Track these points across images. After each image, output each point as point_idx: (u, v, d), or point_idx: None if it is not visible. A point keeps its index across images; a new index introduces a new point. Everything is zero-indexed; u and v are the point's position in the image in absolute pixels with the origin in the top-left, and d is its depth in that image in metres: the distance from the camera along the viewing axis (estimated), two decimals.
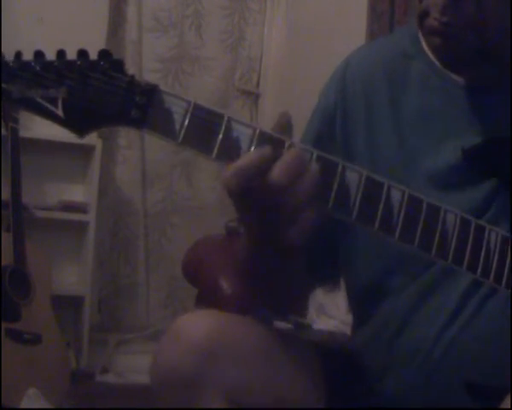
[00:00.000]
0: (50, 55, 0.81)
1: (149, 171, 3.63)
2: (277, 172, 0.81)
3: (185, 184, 3.67)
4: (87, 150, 3.29)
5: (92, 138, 3.22)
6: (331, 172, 0.85)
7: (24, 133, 2.89)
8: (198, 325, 1.00)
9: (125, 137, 3.56)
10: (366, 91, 1.13)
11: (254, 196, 0.83)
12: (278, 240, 0.86)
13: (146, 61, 3.60)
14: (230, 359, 0.98)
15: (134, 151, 3.59)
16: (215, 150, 0.83)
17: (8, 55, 0.80)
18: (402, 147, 1.08)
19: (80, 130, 0.81)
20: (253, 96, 3.86)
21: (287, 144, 0.84)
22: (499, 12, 0.99)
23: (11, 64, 0.79)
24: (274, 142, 0.84)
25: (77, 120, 0.80)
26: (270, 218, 0.84)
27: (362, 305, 1.14)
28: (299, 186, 0.81)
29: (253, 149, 0.83)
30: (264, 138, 0.84)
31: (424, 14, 1.02)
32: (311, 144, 1.13)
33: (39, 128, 3.13)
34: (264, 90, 3.85)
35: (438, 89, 1.09)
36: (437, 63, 1.09)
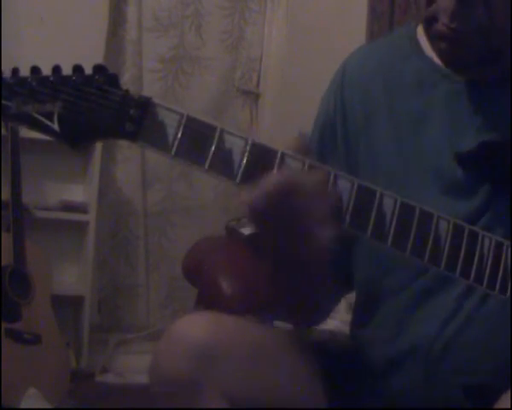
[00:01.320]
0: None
1: (149, 171, 3.62)
2: (302, 197, 0.83)
3: (185, 184, 3.67)
4: (87, 150, 3.29)
5: None
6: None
7: (24, 133, 2.88)
8: (196, 326, 1.00)
9: None
10: (364, 96, 1.12)
11: (276, 218, 0.85)
12: (298, 256, 0.89)
13: (146, 61, 3.59)
14: (229, 360, 0.99)
15: (134, 151, 3.58)
16: (207, 162, 0.85)
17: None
18: (401, 151, 1.08)
19: (75, 143, 0.82)
20: (253, 96, 3.86)
21: (279, 155, 0.85)
22: (507, 18, 0.99)
23: (9, 81, 0.80)
24: (266, 153, 0.85)
25: (72, 134, 0.82)
26: (291, 236, 0.87)
27: (363, 305, 1.14)
28: (320, 208, 0.84)
29: (245, 161, 0.84)
30: (256, 150, 0.84)
31: (432, 19, 1.02)
32: (315, 152, 1.14)
33: None
34: (264, 90, 3.84)
35: (436, 87, 1.08)
36: (436, 62, 1.09)
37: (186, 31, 3.68)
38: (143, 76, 3.58)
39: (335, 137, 1.13)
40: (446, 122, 1.07)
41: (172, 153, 0.83)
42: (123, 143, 3.57)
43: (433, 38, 1.03)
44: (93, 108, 0.81)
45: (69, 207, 3.24)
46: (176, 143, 0.83)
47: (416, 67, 1.10)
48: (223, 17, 3.76)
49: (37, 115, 0.80)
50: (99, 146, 3.23)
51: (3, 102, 0.80)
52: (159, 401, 0.99)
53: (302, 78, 3.46)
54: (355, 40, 2.89)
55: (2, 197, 2.85)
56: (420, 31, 1.11)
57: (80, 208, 3.26)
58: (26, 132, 3.15)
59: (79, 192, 3.37)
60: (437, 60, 1.09)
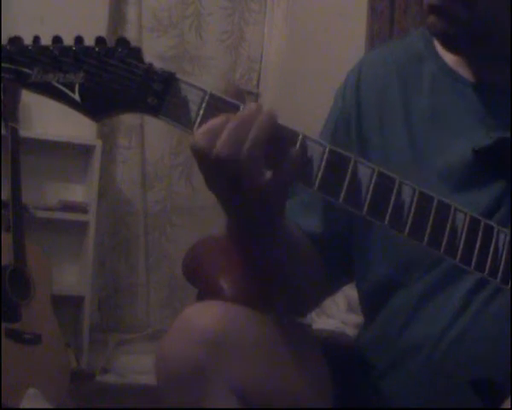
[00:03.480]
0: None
1: (149, 171, 3.63)
2: (221, 140, 0.82)
3: (185, 184, 3.67)
4: (87, 150, 3.29)
5: (92, 138, 3.22)
6: (343, 166, 0.86)
7: (24, 133, 2.89)
8: (205, 315, 0.98)
9: (125, 137, 3.56)
10: (379, 95, 1.14)
11: (217, 158, 0.83)
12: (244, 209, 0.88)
13: (146, 61, 3.59)
14: (237, 350, 0.97)
15: (134, 151, 3.58)
16: None
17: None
18: (415, 149, 1.09)
19: (96, 115, 0.82)
20: (253, 96, 3.86)
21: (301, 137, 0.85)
22: None
23: (29, 48, 0.80)
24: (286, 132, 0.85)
25: (93, 106, 0.81)
26: (233, 184, 0.85)
27: (371, 303, 1.14)
28: (245, 149, 0.82)
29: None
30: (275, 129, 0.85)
31: None
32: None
33: (39, 128, 3.13)
34: (264, 90, 3.85)
35: (449, 88, 1.10)
36: (449, 63, 1.10)
37: (186, 31, 3.68)
38: None
39: (349, 133, 1.14)
40: (458, 123, 1.08)
41: (194, 129, 0.83)
42: (123, 143, 3.57)
43: (425, 13, 1.04)
44: (116, 80, 0.80)
45: (69, 207, 3.24)
46: (198, 119, 0.83)
47: (430, 70, 1.12)
48: (223, 17, 3.77)
49: (58, 85, 0.79)
50: (99, 146, 3.24)
51: (23, 69, 0.79)
52: (164, 391, 0.98)
53: (302, 78, 3.47)
54: (355, 40, 2.90)
55: (3, 197, 2.85)
56: None
57: (80, 208, 3.26)
58: (26, 132, 3.16)
59: (79, 192, 3.37)
60: (451, 62, 1.10)
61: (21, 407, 2.49)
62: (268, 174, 0.85)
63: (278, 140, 0.85)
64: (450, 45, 1.07)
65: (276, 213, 0.94)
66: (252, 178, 0.84)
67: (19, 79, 0.79)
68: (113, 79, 0.80)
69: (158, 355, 0.99)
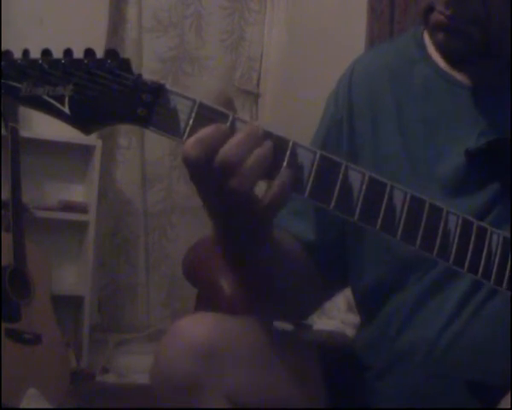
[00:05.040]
0: (55, 55, 0.82)
1: (149, 171, 3.63)
2: (227, 149, 0.82)
3: (185, 184, 3.67)
4: (87, 150, 3.29)
5: (92, 138, 3.22)
6: (334, 172, 0.86)
7: (24, 133, 2.89)
8: (198, 326, 0.99)
9: (125, 137, 3.56)
10: (371, 99, 1.13)
11: (210, 172, 0.83)
12: (235, 219, 0.88)
13: (146, 61, 3.60)
14: (231, 360, 0.98)
15: (134, 151, 3.59)
16: None
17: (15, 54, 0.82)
18: (409, 154, 1.08)
19: (86, 128, 0.82)
20: (253, 96, 3.86)
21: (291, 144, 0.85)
22: (503, 8, 0.99)
23: (18, 62, 0.80)
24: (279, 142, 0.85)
25: (83, 118, 0.81)
26: (225, 195, 0.85)
27: (367, 305, 1.14)
28: (248, 164, 0.82)
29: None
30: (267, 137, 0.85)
31: (429, 10, 1.02)
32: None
33: (39, 128, 3.13)
34: (264, 90, 3.85)
35: (443, 92, 1.09)
36: (442, 66, 1.10)
37: (186, 31, 3.69)
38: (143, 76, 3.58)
39: (341, 137, 1.13)
40: (451, 127, 1.07)
41: (184, 139, 0.83)
42: (123, 143, 3.58)
43: (430, 29, 1.04)
44: (105, 91, 0.81)
45: (69, 207, 3.24)
46: (188, 129, 0.83)
47: (422, 73, 1.11)
48: (223, 17, 3.77)
49: (47, 98, 0.80)
50: (99, 146, 3.24)
51: (13, 83, 0.79)
52: (160, 400, 0.99)
53: (302, 77, 3.47)
54: (355, 40, 2.90)
55: (3, 197, 2.85)
56: (426, 35, 1.11)
57: (80, 208, 3.26)
58: (26, 132, 3.16)
59: (79, 192, 3.37)
60: (443, 65, 1.10)
61: (21, 407, 2.49)
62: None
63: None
64: (458, 62, 1.06)
65: (265, 223, 0.94)
66: (245, 191, 0.84)
67: (9, 93, 0.79)
68: (102, 91, 0.81)
69: (152, 366, 0.99)
